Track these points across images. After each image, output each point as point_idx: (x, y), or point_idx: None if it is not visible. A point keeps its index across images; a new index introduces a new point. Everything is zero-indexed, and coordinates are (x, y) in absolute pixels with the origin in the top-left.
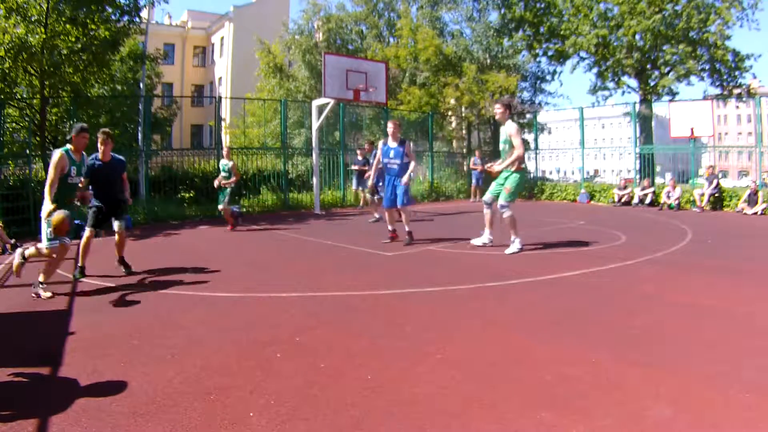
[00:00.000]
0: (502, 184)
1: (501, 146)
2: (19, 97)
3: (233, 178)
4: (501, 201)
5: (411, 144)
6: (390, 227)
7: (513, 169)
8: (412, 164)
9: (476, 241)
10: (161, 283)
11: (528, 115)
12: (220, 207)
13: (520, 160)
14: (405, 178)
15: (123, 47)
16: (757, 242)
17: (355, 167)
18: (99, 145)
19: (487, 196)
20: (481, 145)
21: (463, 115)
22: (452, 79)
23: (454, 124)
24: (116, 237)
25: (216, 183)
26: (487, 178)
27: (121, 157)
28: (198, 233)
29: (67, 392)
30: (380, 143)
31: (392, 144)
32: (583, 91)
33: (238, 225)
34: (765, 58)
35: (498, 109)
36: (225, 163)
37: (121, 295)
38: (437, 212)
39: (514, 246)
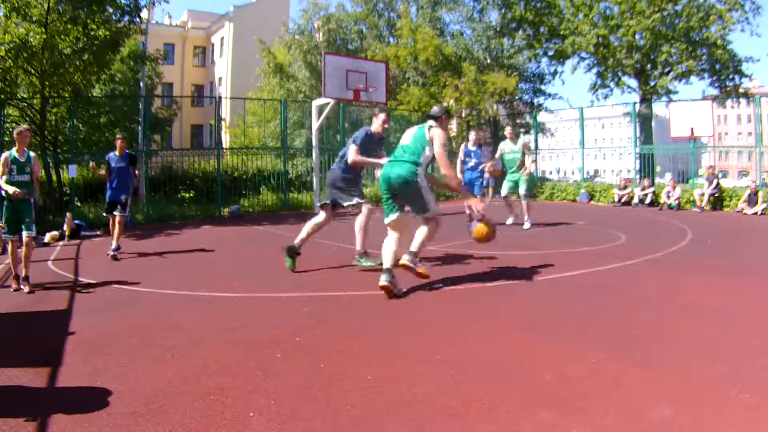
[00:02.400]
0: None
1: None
2: (20, 97)
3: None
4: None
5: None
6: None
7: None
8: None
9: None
10: (161, 283)
11: (527, 116)
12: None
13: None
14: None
15: (123, 47)
16: (757, 242)
17: None
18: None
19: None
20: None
21: (463, 115)
22: (452, 80)
23: (454, 125)
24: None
25: (12, 190)
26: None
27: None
28: (199, 233)
29: (67, 392)
30: (503, 146)
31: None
32: (583, 92)
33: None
34: (765, 60)
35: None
36: (20, 160)
37: (121, 295)
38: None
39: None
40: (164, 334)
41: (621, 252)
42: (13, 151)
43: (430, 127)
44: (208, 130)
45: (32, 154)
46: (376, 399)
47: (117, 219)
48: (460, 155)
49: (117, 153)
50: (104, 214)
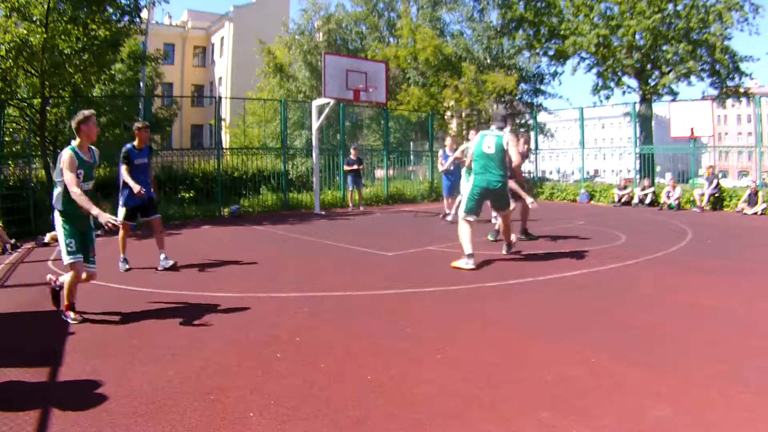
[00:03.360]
0: None
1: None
2: (20, 97)
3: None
4: None
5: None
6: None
7: None
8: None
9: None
10: (161, 283)
11: (527, 116)
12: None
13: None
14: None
15: (123, 47)
16: (757, 242)
17: (348, 167)
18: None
19: None
20: None
21: (463, 115)
22: (452, 80)
23: (454, 125)
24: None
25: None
26: None
27: None
28: (199, 233)
29: (67, 392)
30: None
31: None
32: (582, 92)
33: None
34: (764, 60)
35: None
36: (87, 161)
37: (122, 295)
38: (437, 212)
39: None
40: (164, 334)
41: (621, 252)
42: (75, 146)
43: (504, 134)
44: (208, 130)
45: (94, 148)
46: (376, 399)
47: (156, 221)
48: (440, 159)
49: (137, 146)
50: (141, 219)
